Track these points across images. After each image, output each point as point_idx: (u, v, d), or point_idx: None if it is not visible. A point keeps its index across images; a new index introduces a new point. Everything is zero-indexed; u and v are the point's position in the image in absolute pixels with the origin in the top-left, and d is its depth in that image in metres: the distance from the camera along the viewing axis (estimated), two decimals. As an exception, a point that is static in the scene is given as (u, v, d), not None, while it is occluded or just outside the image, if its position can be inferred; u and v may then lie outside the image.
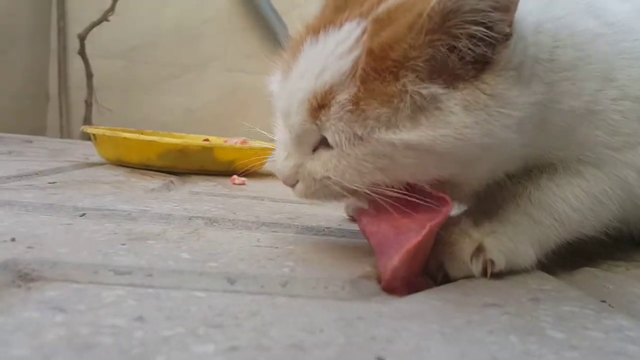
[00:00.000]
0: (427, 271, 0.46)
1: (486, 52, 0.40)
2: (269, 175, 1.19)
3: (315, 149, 0.46)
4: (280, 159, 0.49)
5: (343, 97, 0.41)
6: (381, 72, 0.41)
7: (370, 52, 0.41)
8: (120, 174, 0.96)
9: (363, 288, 0.42)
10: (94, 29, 2.01)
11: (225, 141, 1.21)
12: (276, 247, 0.51)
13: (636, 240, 0.64)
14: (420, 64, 0.40)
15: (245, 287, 0.39)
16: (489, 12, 0.38)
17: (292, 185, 0.48)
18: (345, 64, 0.42)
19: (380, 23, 0.42)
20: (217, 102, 2.38)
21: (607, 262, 0.58)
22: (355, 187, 0.44)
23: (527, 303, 0.41)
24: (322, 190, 0.46)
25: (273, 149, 1.16)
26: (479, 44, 0.39)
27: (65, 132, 2.26)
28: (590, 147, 0.49)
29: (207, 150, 1.06)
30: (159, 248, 0.47)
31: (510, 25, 0.39)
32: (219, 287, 0.39)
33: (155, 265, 0.41)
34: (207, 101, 2.37)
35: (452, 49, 0.40)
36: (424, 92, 0.40)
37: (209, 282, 0.39)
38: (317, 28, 0.44)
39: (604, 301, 0.44)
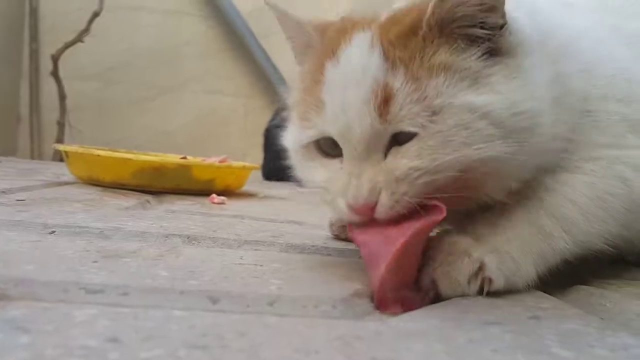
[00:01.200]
0: (419, 288, 0.44)
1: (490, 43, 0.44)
2: (249, 195, 1.16)
3: (385, 155, 0.44)
4: (350, 184, 0.44)
5: (399, 81, 0.42)
6: (415, 52, 0.43)
7: (395, 40, 0.43)
8: (93, 193, 0.92)
9: (356, 307, 0.39)
10: (68, 50, 1.97)
11: (204, 160, 1.17)
12: (260, 265, 0.48)
13: (629, 261, 0.63)
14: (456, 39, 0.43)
15: (229, 306, 0.36)
16: (479, 13, 0.43)
17: (373, 205, 0.43)
18: (378, 56, 0.43)
19: (386, 25, 0.45)
20: (194, 124, 2.35)
21: (599, 280, 0.56)
22: (445, 173, 0.42)
23: (528, 321, 0.39)
24: (411, 191, 0.43)
25: (253, 167, 1.13)
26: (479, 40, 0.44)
27: (36, 154, 2.20)
28: (588, 144, 0.50)
29: (185, 168, 1.02)
30: (134, 266, 0.44)
31: (504, 16, 0.44)
32: (201, 307, 0.36)
33: (130, 284, 0.38)
34: (183, 123, 2.34)
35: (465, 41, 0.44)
36: (465, 64, 0.43)
37: (190, 301, 0.36)
38: (330, 53, 0.46)
39: (602, 319, 0.42)
